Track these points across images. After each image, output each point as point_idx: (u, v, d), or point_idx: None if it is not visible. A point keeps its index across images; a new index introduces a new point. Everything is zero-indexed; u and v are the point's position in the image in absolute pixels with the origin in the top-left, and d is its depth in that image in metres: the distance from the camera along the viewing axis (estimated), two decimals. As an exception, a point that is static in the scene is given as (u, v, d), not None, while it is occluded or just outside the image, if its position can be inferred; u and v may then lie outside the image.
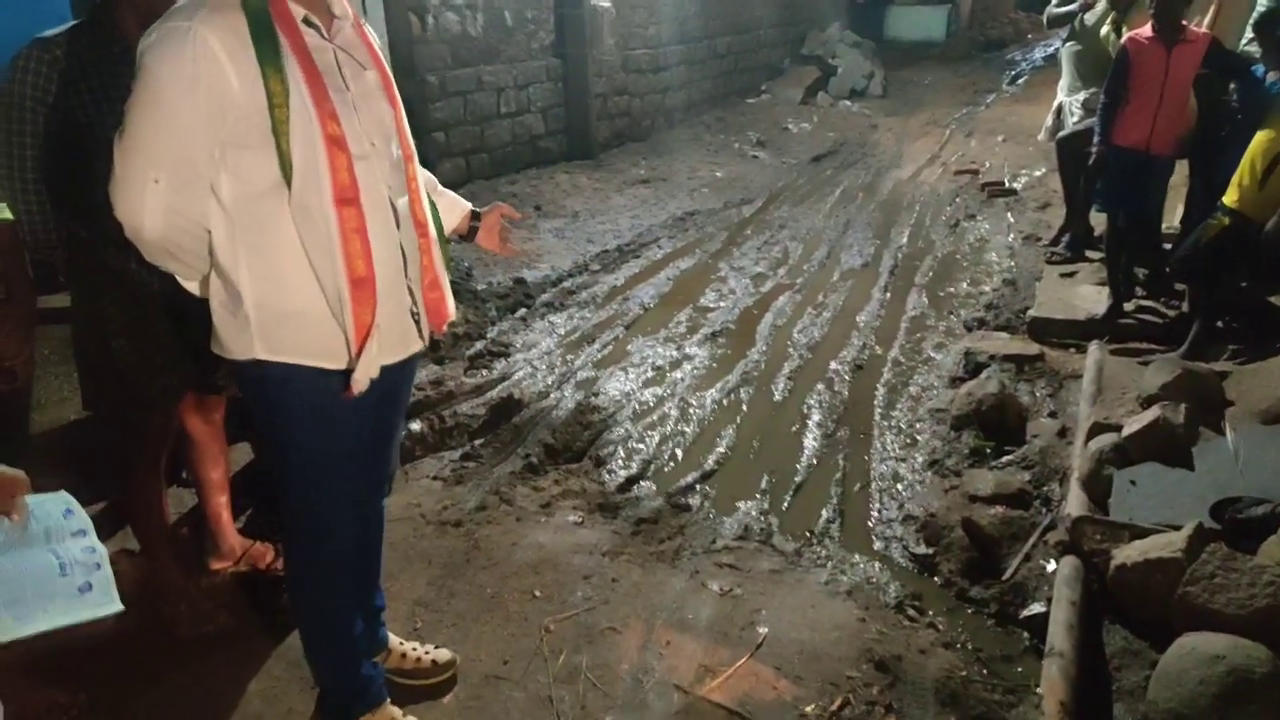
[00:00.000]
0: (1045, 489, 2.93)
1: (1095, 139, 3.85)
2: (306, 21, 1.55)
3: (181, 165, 1.49)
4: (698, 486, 3.11)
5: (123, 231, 1.55)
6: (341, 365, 1.63)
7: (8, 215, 1.93)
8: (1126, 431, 2.72)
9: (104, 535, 2.58)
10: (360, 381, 1.63)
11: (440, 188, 1.98)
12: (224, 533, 2.52)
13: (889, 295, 4.91)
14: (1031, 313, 4.14)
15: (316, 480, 1.73)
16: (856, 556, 2.71)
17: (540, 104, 7.62)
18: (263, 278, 1.57)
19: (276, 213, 1.53)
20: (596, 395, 3.72)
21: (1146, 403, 2.93)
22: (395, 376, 1.76)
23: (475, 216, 2.06)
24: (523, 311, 4.64)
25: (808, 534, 2.83)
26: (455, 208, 2.03)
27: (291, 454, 1.72)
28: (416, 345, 1.79)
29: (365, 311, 1.59)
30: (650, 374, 3.97)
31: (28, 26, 2.16)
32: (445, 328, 1.90)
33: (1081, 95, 4.68)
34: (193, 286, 1.66)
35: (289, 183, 1.52)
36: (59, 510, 1.36)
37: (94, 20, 2.10)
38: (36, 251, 2.10)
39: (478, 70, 6.91)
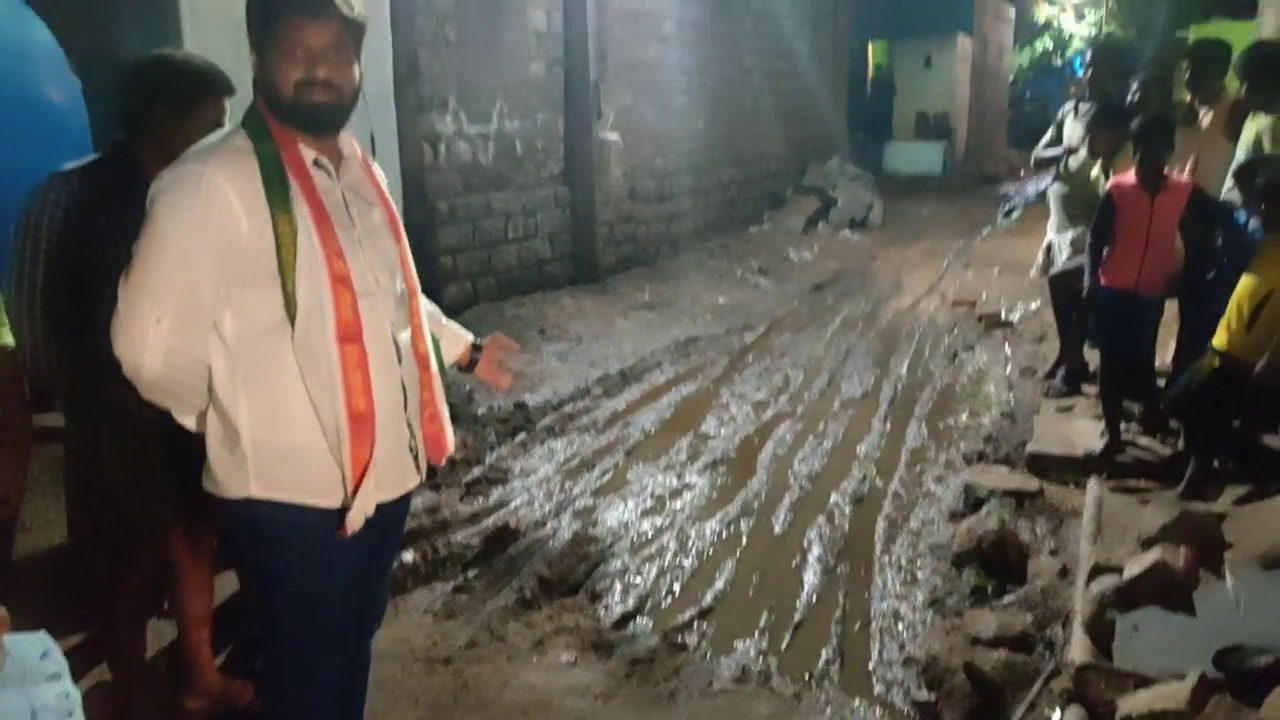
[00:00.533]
0: (1048, 631, 2.87)
1: (1086, 278, 3.95)
2: (316, 163, 1.62)
3: (185, 307, 1.53)
4: (695, 623, 3.06)
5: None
6: (337, 503, 1.63)
7: (9, 341, 1.97)
8: (1127, 574, 2.69)
9: (81, 667, 2.53)
10: (355, 520, 1.62)
11: (443, 320, 2.02)
12: (203, 669, 2.45)
13: (889, 426, 4.93)
14: (1030, 447, 4.15)
15: (303, 624, 1.70)
16: (857, 701, 2.64)
17: (547, 230, 7.84)
18: (262, 414, 1.59)
19: (278, 350, 1.57)
20: (594, 525, 3.70)
21: (1146, 544, 2.91)
22: (390, 513, 1.76)
23: (476, 348, 2.08)
24: (523, 436, 4.66)
25: (807, 676, 2.76)
26: (457, 340, 2.05)
27: (278, 597, 1.70)
28: (413, 480, 1.80)
29: (363, 448, 1.60)
30: (649, 503, 3.95)
31: (48, 158, 2.26)
32: (443, 460, 1.91)
33: (1070, 234, 4.82)
34: (189, 422, 1.67)
35: (293, 320, 1.55)
36: (36, 652, 1.35)
37: (114, 156, 2.18)
38: (38, 378, 2.13)
39: (487, 197, 7.15)
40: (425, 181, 6.56)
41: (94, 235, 2.05)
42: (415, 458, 1.78)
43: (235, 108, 2.21)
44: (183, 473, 1.72)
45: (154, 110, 2.10)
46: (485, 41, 6.95)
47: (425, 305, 1.91)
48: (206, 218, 1.50)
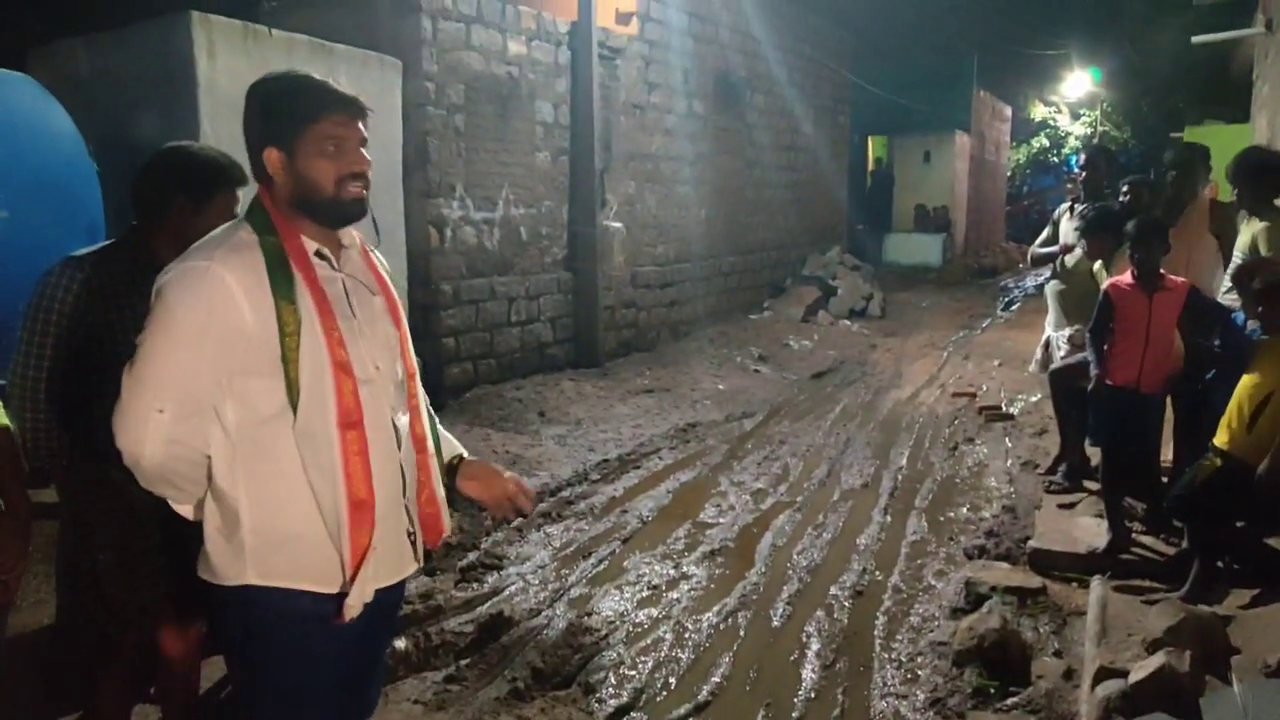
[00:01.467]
0: (1054, 737, 2.79)
1: (1092, 369, 3.95)
2: (318, 254, 1.65)
3: (188, 398, 1.55)
4: (691, 719, 2.97)
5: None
6: (335, 589, 1.62)
7: (4, 421, 1.97)
8: (1133, 679, 2.63)
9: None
10: (353, 606, 1.61)
11: (439, 428, 1.94)
12: (187, 754, 2.40)
13: (889, 518, 4.88)
14: (1032, 543, 4.10)
15: (285, 717, 1.67)
16: (856, 808, 2.55)
17: (550, 314, 7.93)
18: (262, 501, 1.59)
19: (279, 437, 1.58)
20: (589, 614, 3.63)
21: (1152, 647, 2.85)
22: (386, 600, 1.74)
23: (459, 460, 1.95)
24: (519, 521, 4.61)
25: (804, 779, 2.68)
26: (449, 447, 1.96)
27: (263, 689, 1.67)
28: (411, 567, 1.79)
29: (362, 534, 1.60)
30: (646, 593, 3.89)
31: (65, 239, 2.32)
32: (440, 543, 1.90)
33: (1067, 330, 4.87)
34: (186, 510, 1.66)
35: (296, 407, 1.56)
36: None
37: (127, 243, 2.23)
38: (36, 459, 2.14)
39: (491, 280, 7.26)
40: (431, 264, 6.67)
41: (102, 321, 2.08)
42: (413, 544, 1.77)
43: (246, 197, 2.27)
44: (172, 559, 1.71)
45: (173, 200, 2.15)
46: (493, 131, 7.15)
47: (422, 395, 1.91)
48: (210, 311, 1.52)
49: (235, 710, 2.35)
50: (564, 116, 7.90)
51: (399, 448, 1.71)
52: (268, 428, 1.58)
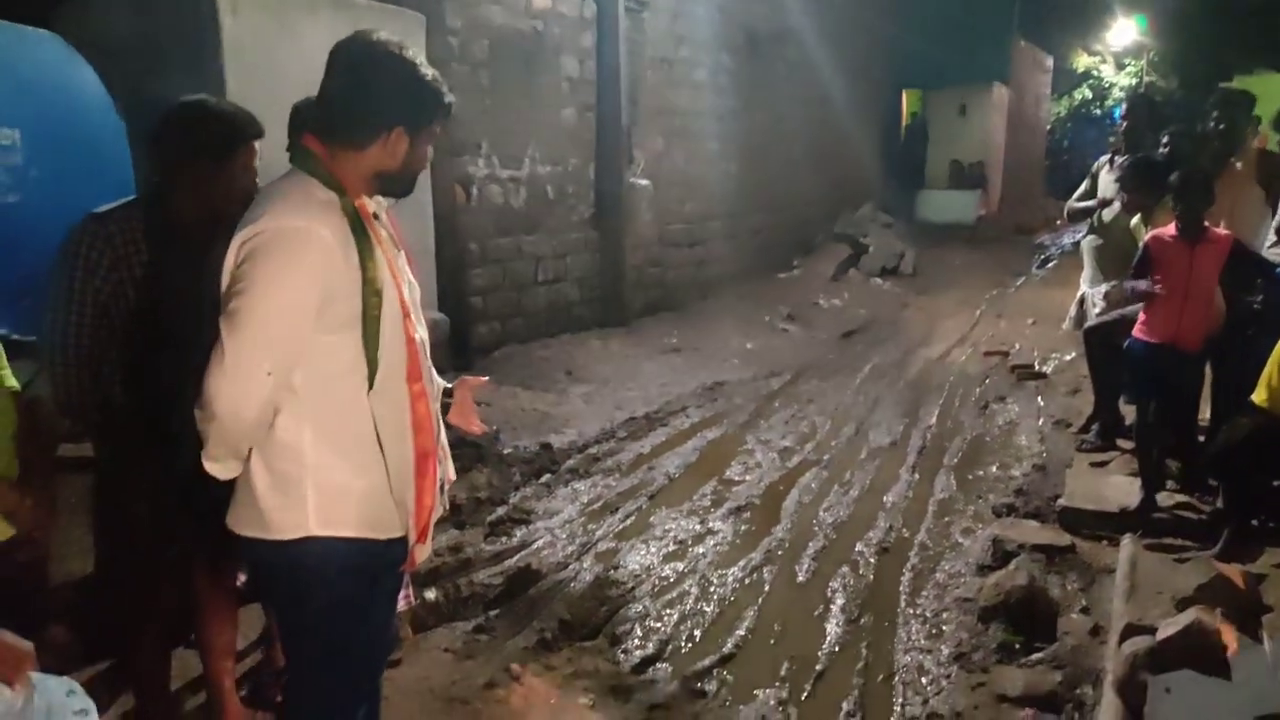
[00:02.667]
0: (1078, 692, 2.79)
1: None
2: (374, 215, 1.70)
3: (289, 359, 1.57)
4: (715, 670, 3.01)
5: (158, 404, 1.62)
6: (397, 534, 1.69)
7: (14, 384, 2.01)
8: (1161, 636, 2.61)
9: (108, 695, 2.55)
10: (422, 552, 1.72)
11: None
12: (225, 701, 2.46)
13: (917, 476, 4.86)
14: (1062, 502, 4.06)
15: (343, 666, 1.73)
16: (878, 758, 2.57)
17: (577, 273, 7.91)
18: (328, 453, 1.62)
19: (347, 392, 1.62)
20: (616, 569, 3.67)
21: (1181, 604, 2.83)
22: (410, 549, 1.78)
23: (447, 393, 2.04)
24: (547, 477, 4.66)
25: (827, 730, 2.71)
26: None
27: (313, 642, 1.72)
28: (439, 512, 1.84)
29: (427, 482, 1.69)
30: (672, 548, 3.92)
31: (93, 197, 2.31)
32: (447, 490, 1.95)
33: (1103, 287, 4.77)
34: (218, 470, 1.65)
35: (373, 366, 1.61)
36: (62, 691, 1.38)
37: (148, 197, 2.24)
38: (70, 414, 2.18)
39: (518, 240, 7.24)
40: (457, 223, 6.66)
41: (129, 277, 2.10)
42: (443, 491, 1.84)
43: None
44: (207, 511, 1.73)
45: (193, 157, 2.15)
46: (518, 87, 7.08)
47: None
48: (317, 273, 1.54)
49: (273, 655, 2.42)
50: (590, 72, 7.80)
51: (435, 396, 1.80)
52: (336, 384, 1.61)
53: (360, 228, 1.59)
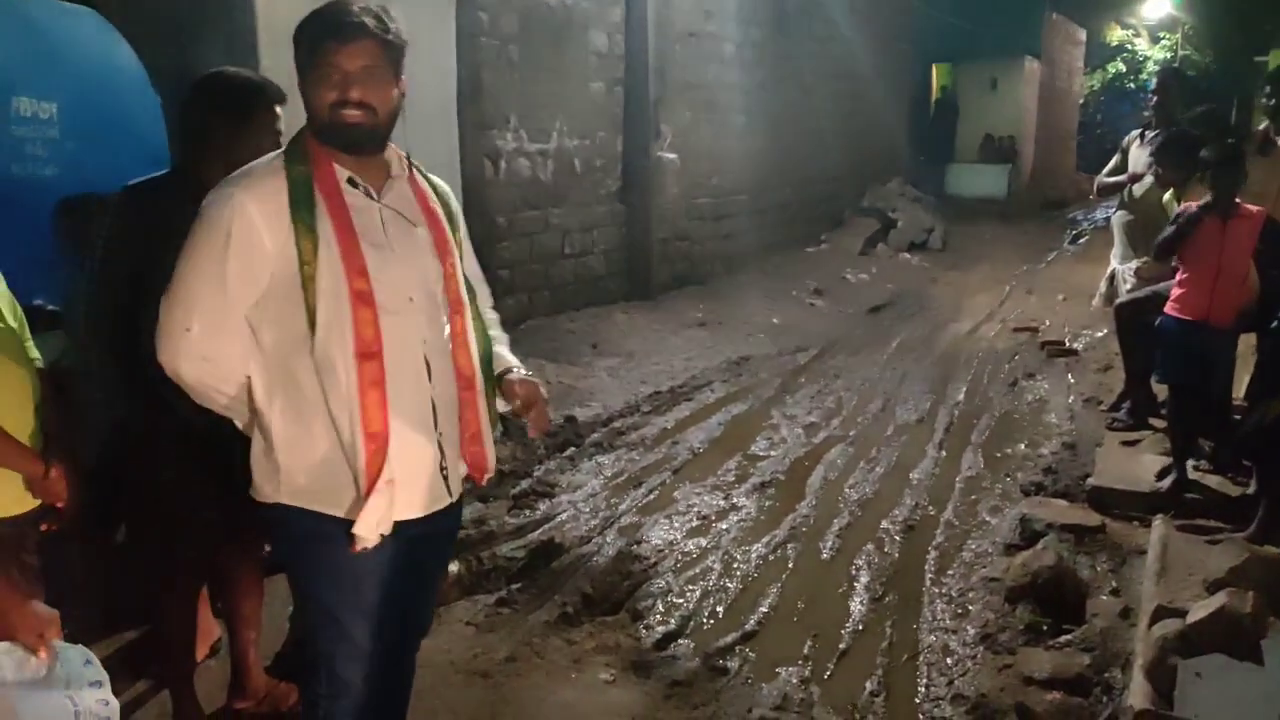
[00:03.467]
0: (1107, 675, 2.76)
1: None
2: (350, 182, 1.66)
3: (213, 317, 1.61)
4: (737, 648, 3.00)
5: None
6: (354, 515, 1.64)
7: (37, 355, 2.03)
8: (1191, 619, 2.57)
9: (132, 665, 2.59)
10: (364, 536, 1.62)
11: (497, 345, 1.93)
12: (250, 670, 2.50)
13: (944, 453, 4.82)
14: (1092, 481, 4.01)
15: (334, 635, 1.72)
16: (901, 737, 2.56)
17: (603, 246, 7.88)
18: (292, 423, 1.64)
19: (306, 362, 1.61)
20: (639, 543, 3.67)
21: (1213, 587, 2.78)
22: (423, 531, 1.74)
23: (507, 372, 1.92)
24: (571, 450, 4.66)
25: (850, 707, 2.70)
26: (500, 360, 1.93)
27: (310, 606, 1.74)
28: (443, 501, 1.77)
29: (374, 465, 1.62)
30: (695, 523, 3.92)
31: (130, 171, 2.34)
32: (485, 480, 1.90)
33: (1134, 263, 4.68)
34: (222, 412, 1.73)
35: (313, 333, 1.60)
36: (79, 660, 1.40)
37: (178, 170, 2.27)
38: (103, 388, 2.20)
39: (545, 213, 7.22)
40: (485, 196, 6.65)
41: (157, 249, 2.11)
42: (446, 478, 1.75)
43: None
44: (232, 478, 1.75)
45: (214, 125, 2.18)
46: (547, 61, 7.03)
47: (492, 321, 1.91)
48: (230, 235, 1.59)
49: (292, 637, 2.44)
50: (618, 45, 7.73)
51: (430, 381, 1.70)
52: (296, 352, 1.62)
53: (302, 195, 1.60)
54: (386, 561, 1.69)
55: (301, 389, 1.62)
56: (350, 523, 1.63)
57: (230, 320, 1.62)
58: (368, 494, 1.61)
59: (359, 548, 1.63)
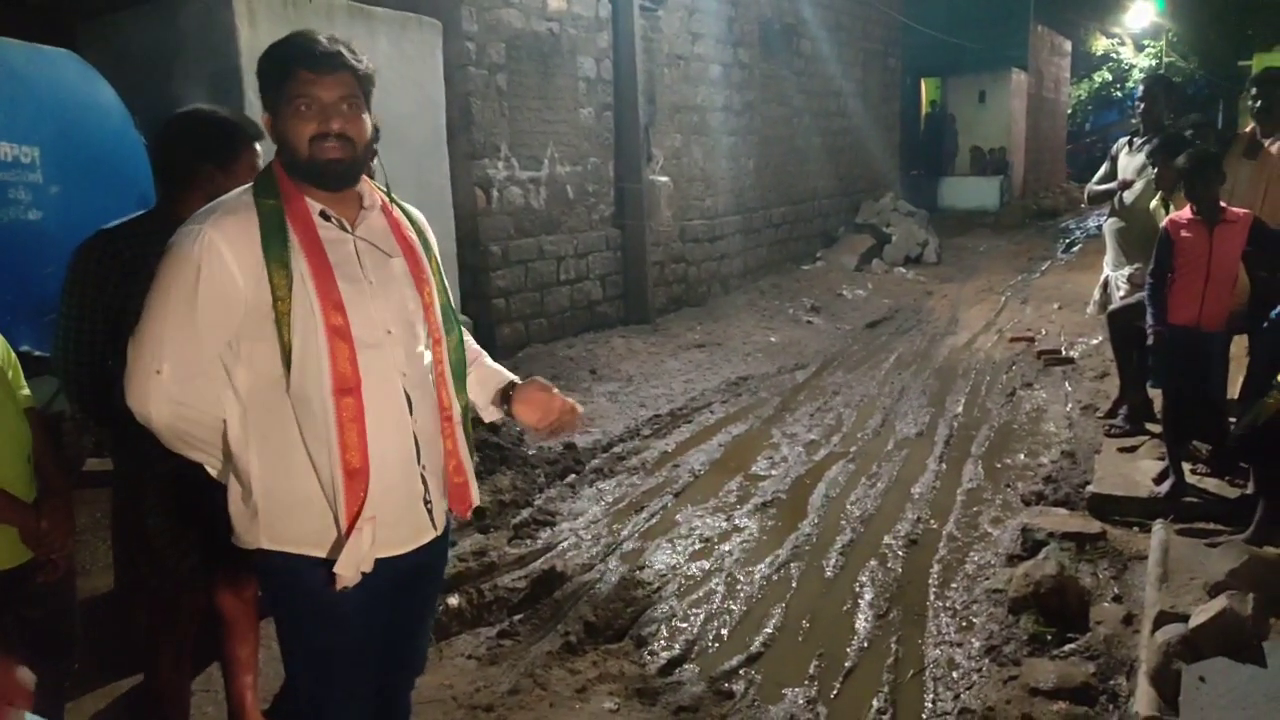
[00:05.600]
0: (1112, 683, 2.75)
1: (1150, 320, 3.82)
2: (323, 215, 1.62)
3: (184, 359, 1.56)
4: (743, 670, 2.99)
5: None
6: (337, 555, 1.60)
7: (29, 400, 2.02)
8: (1194, 623, 2.57)
9: (129, 714, 2.56)
10: (345, 574, 1.58)
11: (484, 359, 1.95)
12: (248, 714, 2.46)
13: (944, 466, 4.82)
14: (1091, 488, 4.01)
15: (319, 677, 1.69)
16: (909, 754, 2.55)
17: (599, 271, 7.92)
18: (269, 465, 1.60)
19: (282, 402, 1.57)
20: (642, 569, 3.67)
21: (1214, 590, 2.78)
22: (411, 566, 1.72)
23: (513, 386, 1.92)
24: (572, 478, 4.66)
25: (857, 726, 2.69)
26: (491, 379, 1.93)
27: (295, 648, 1.70)
28: (427, 535, 1.74)
29: (354, 502, 1.57)
30: (698, 546, 3.91)
31: (114, 211, 2.33)
32: (470, 513, 1.86)
33: (1126, 270, 4.70)
34: (214, 472, 1.68)
35: (289, 371, 1.56)
36: None
37: (158, 211, 2.23)
38: (87, 428, 2.19)
39: (539, 240, 7.26)
40: (479, 226, 6.70)
41: (135, 290, 2.10)
42: (430, 512, 1.72)
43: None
44: (219, 523, 1.74)
45: (198, 166, 2.15)
46: (536, 89, 7.11)
47: (470, 346, 1.88)
48: (198, 273, 1.53)
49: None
50: (606, 71, 7.81)
51: (411, 414, 1.66)
52: (272, 392, 1.57)
53: (274, 229, 1.55)
54: (372, 600, 1.65)
55: (278, 429, 1.58)
56: (326, 561, 1.59)
57: (201, 361, 1.56)
58: (348, 532, 1.57)
59: (339, 586, 1.58)
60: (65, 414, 2.20)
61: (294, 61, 1.55)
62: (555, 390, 1.91)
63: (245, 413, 1.59)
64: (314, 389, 1.56)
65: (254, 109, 4.93)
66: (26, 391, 2.05)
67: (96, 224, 2.21)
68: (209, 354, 1.57)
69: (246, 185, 1.66)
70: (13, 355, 2.05)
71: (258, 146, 2.22)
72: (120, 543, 2.31)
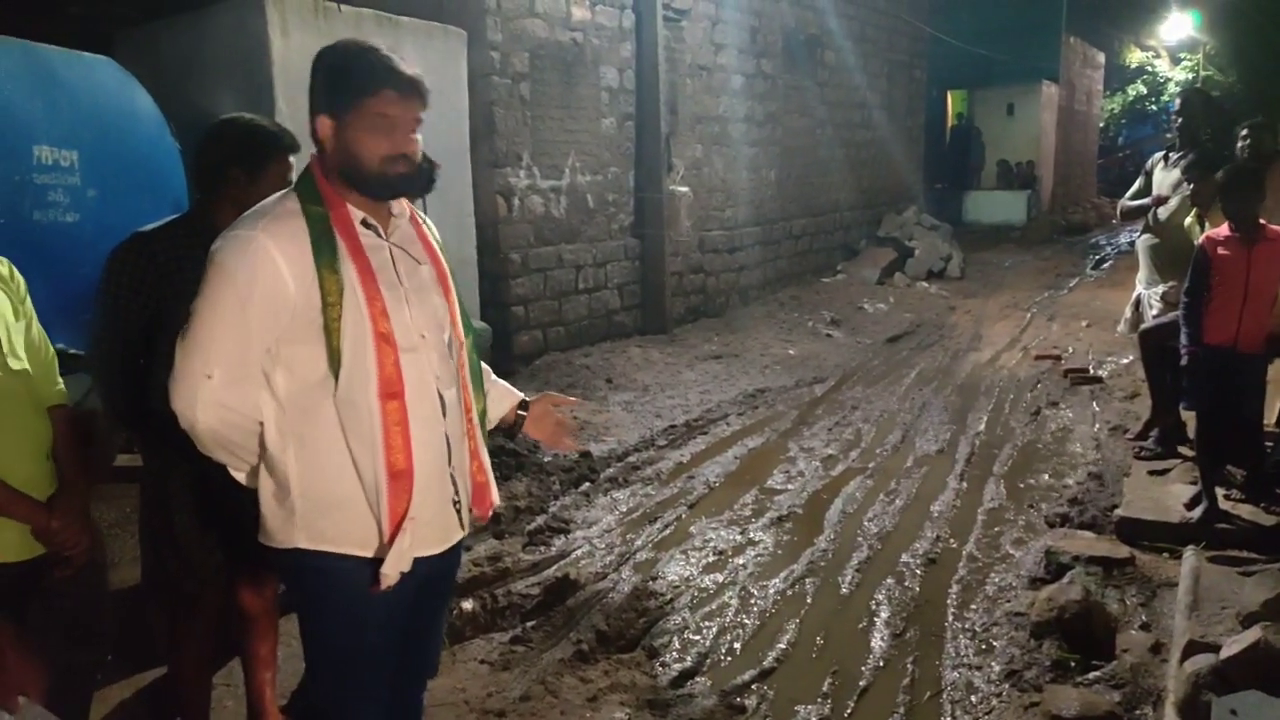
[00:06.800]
0: (1138, 712, 2.67)
1: (1183, 340, 3.73)
2: (364, 223, 1.65)
3: (235, 364, 1.57)
4: (755, 685, 2.94)
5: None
6: (375, 554, 1.64)
7: (63, 400, 2.03)
8: (1225, 654, 2.48)
9: (151, 707, 2.57)
10: (390, 574, 1.62)
11: (492, 377, 2.00)
12: (266, 710, 2.49)
13: (965, 485, 4.73)
14: (1120, 512, 3.91)
15: (344, 677, 1.71)
16: (925, 780, 2.48)
17: (617, 281, 7.89)
18: (308, 467, 1.62)
19: (324, 405, 1.60)
20: (655, 579, 3.62)
21: (1247, 620, 2.69)
22: (435, 567, 1.76)
23: (524, 406, 2.05)
24: (586, 486, 4.62)
25: (872, 749, 2.62)
26: (505, 398, 2.03)
27: (321, 648, 1.71)
28: (456, 535, 1.79)
29: (399, 504, 1.61)
30: (712, 558, 3.85)
31: (150, 216, 2.37)
32: (489, 514, 1.89)
33: (1160, 288, 4.60)
34: (241, 477, 1.70)
35: (336, 377, 1.58)
36: None
37: (190, 215, 2.29)
38: (119, 427, 2.22)
39: (558, 249, 7.25)
40: (499, 234, 6.69)
41: (169, 293, 2.13)
42: (459, 512, 1.77)
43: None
44: (246, 520, 1.75)
45: (227, 171, 2.20)
46: (558, 99, 7.10)
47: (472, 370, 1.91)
48: (253, 279, 1.54)
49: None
50: (629, 81, 7.80)
51: (444, 416, 1.71)
52: (313, 395, 1.60)
53: (323, 236, 1.57)
54: (398, 601, 1.68)
55: (318, 431, 1.60)
56: (368, 561, 1.63)
57: (248, 365, 1.58)
58: (393, 533, 1.61)
59: (384, 586, 1.62)
60: (99, 410, 2.21)
61: (382, 80, 1.57)
62: (563, 411, 2.04)
63: (282, 415, 1.61)
64: (360, 393, 1.59)
65: (285, 117, 4.98)
66: (61, 387, 2.06)
67: (132, 227, 2.26)
68: (256, 358, 1.59)
69: (286, 190, 1.67)
70: (51, 351, 2.07)
71: (291, 159, 2.26)
72: (147, 538, 2.34)
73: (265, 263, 1.54)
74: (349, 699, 1.72)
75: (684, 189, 8.43)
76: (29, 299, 2.03)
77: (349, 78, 1.58)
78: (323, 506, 1.62)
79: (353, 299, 1.58)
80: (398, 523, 1.60)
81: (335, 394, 1.59)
